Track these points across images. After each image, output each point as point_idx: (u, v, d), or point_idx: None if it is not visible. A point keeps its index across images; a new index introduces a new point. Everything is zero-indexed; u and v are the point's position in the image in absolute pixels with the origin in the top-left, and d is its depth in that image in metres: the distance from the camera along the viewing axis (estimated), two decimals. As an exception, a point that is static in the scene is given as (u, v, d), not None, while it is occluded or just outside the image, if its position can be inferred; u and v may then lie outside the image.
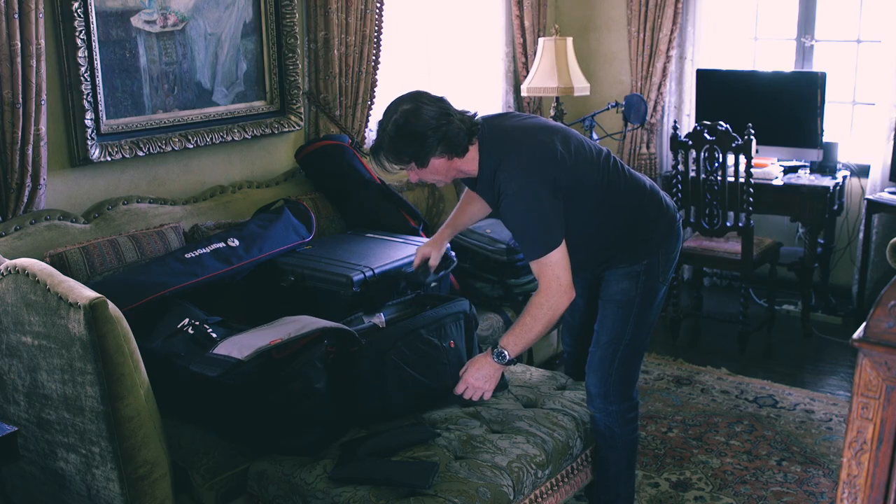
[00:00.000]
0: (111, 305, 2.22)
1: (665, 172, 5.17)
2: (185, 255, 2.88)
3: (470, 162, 2.43)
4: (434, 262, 2.78)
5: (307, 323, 2.49)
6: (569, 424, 2.59)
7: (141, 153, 3.24)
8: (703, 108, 4.93)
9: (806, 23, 4.99)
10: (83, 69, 3.01)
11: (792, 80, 4.80)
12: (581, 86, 4.61)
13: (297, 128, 3.83)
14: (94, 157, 3.10)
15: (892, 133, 4.56)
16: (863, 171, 4.80)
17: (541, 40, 4.67)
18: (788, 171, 4.73)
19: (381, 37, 4.04)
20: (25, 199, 2.91)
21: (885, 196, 4.45)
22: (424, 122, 2.33)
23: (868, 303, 4.57)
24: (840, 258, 4.98)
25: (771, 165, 4.65)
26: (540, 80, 4.60)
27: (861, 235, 4.62)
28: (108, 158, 3.15)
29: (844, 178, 4.75)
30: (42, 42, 2.83)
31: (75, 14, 2.96)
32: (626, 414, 2.64)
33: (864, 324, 1.43)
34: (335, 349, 2.52)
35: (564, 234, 2.37)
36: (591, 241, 2.54)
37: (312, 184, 3.78)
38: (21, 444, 2.40)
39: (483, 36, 5.00)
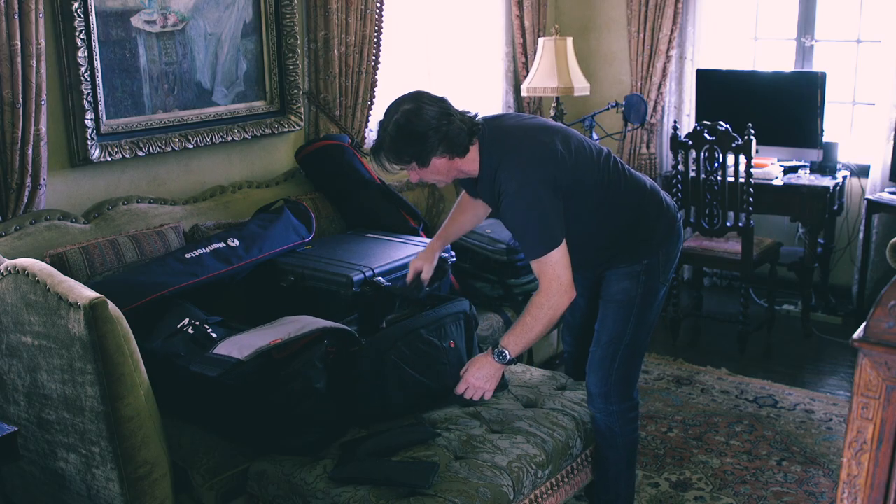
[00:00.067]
0: (111, 305, 2.22)
1: (665, 172, 5.17)
2: (185, 255, 2.88)
3: (470, 162, 2.43)
4: (426, 275, 2.77)
5: (307, 323, 2.49)
6: (569, 424, 2.59)
7: (141, 153, 3.24)
8: (703, 108, 4.93)
9: (806, 23, 4.99)
10: (83, 69, 3.01)
11: (792, 80, 4.80)
12: (581, 86, 4.61)
13: (297, 128, 3.83)
14: (94, 157, 3.10)
15: (892, 133, 4.56)
16: (863, 171, 4.80)
17: (541, 40, 4.67)
18: (788, 171, 4.73)
19: (381, 37, 4.04)
20: (25, 199, 2.91)
21: (885, 196, 4.45)
22: (425, 122, 2.33)
23: (868, 303, 4.57)
24: (840, 258, 4.98)
25: (771, 165, 4.65)
26: (540, 80, 4.60)
27: (861, 235, 4.62)
28: (108, 158, 3.15)
29: (844, 178, 4.75)
30: (42, 42, 2.83)
31: (75, 14, 2.96)
32: (626, 414, 2.64)
33: (864, 324, 1.43)
34: (335, 349, 2.52)
35: (565, 233, 2.37)
36: (592, 241, 2.54)
37: (312, 184, 3.78)
38: (21, 444, 2.40)
39: (483, 36, 5.00)
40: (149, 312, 2.65)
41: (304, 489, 2.30)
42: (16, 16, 2.73)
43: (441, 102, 2.39)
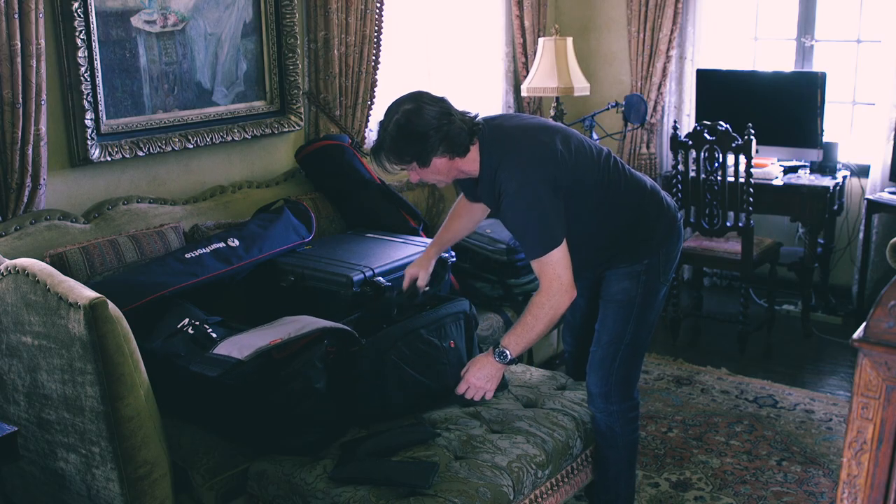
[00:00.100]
0: (111, 305, 2.22)
1: (665, 172, 5.17)
2: (185, 255, 2.88)
3: (471, 162, 2.43)
4: (422, 282, 2.76)
5: (307, 323, 2.49)
6: (569, 424, 2.59)
7: (141, 153, 3.24)
8: (703, 108, 4.93)
9: (806, 23, 4.99)
10: (83, 69, 3.01)
11: (792, 80, 4.80)
12: (581, 86, 4.61)
13: (297, 128, 3.83)
14: (94, 157, 3.10)
15: (892, 133, 4.56)
16: (863, 171, 4.80)
17: (541, 40, 4.67)
18: (788, 171, 4.73)
19: (381, 37, 4.04)
20: (25, 199, 2.91)
21: (885, 196, 4.45)
22: (426, 122, 2.33)
23: (868, 303, 4.57)
24: (840, 258, 4.98)
25: (771, 165, 4.65)
26: (540, 80, 4.60)
27: (861, 235, 4.62)
28: (108, 158, 3.15)
29: (844, 178, 4.75)
30: (42, 42, 2.83)
31: (75, 14, 2.96)
32: (627, 414, 2.64)
33: (864, 324, 1.43)
34: (335, 349, 2.52)
35: (565, 233, 2.37)
36: (592, 241, 2.54)
37: (312, 184, 3.78)
38: (21, 444, 2.40)
39: (483, 36, 5.00)
40: (149, 312, 2.64)
41: (304, 489, 2.30)
42: (16, 16, 2.73)
43: (441, 102, 2.39)
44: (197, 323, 2.54)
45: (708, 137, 4.14)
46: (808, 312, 4.63)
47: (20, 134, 2.82)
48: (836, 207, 4.69)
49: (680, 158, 4.28)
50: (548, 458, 2.45)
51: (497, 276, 3.53)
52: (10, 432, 1.95)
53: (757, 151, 4.42)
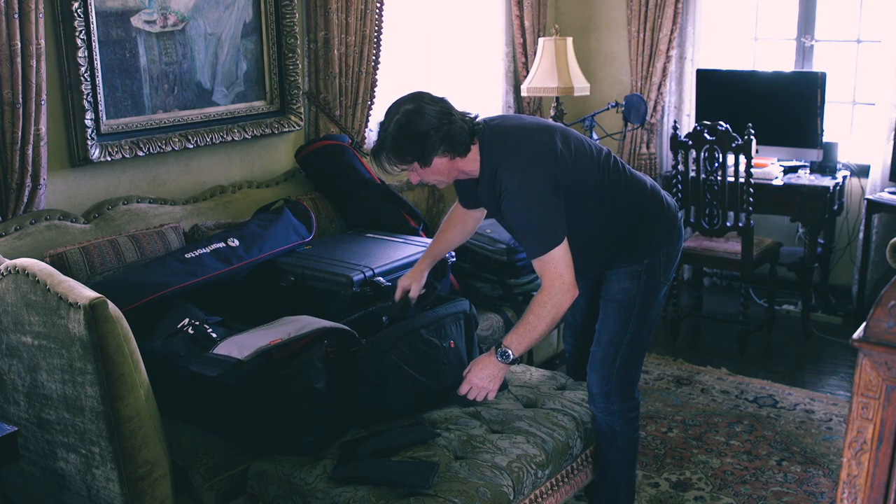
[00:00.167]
0: (111, 305, 2.22)
1: (665, 172, 5.17)
2: (185, 255, 2.88)
3: (471, 162, 2.43)
4: (414, 294, 2.76)
5: (307, 323, 2.49)
6: (569, 424, 2.59)
7: (141, 153, 3.24)
8: (703, 108, 4.93)
9: (806, 23, 4.99)
10: (83, 69, 3.01)
11: (792, 80, 4.80)
12: (581, 86, 4.61)
13: (297, 128, 3.83)
14: (94, 157, 3.10)
15: (892, 133, 4.56)
16: (863, 171, 4.80)
17: (541, 40, 4.67)
18: (788, 171, 4.73)
19: (381, 37, 4.04)
20: (25, 199, 2.91)
21: (885, 196, 4.45)
22: (427, 121, 2.33)
23: (868, 303, 4.57)
24: (840, 258, 4.98)
25: (771, 165, 4.65)
26: (540, 80, 4.60)
27: (861, 235, 4.62)
28: (108, 158, 3.15)
29: (844, 178, 4.75)
30: (42, 42, 2.83)
31: (75, 14, 2.96)
32: (627, 413, 2.64)
33: (864, 324, 1.43)
34: (335, 349, 2.52)
35: (566, 232, 2.37)
36: (592, 241, 2.54)
37: (312, 184, 3.78)
38: (21, 444, 2.40)
39: (483, 36, 5.00)
40: (149, 312, 2.65)
41: (304, 489, 2.30)
42: (16, 16, 2.73)
43: (441, 102, 2.39)
44: (197, 323, 2.54)
45: (708, 137, 4.14)
46: (808, 312, 4.63)
47: (20, 134, 2.82)
48: (836, 207, 4.69)
49: (680, 158, 4.28)
50: (548, 458, 2.45)
51: (497, 276, 3.53)
52: (10, 432, 1.95)
53: (757, 151, 4.42)
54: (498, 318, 3.48)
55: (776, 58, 5.12)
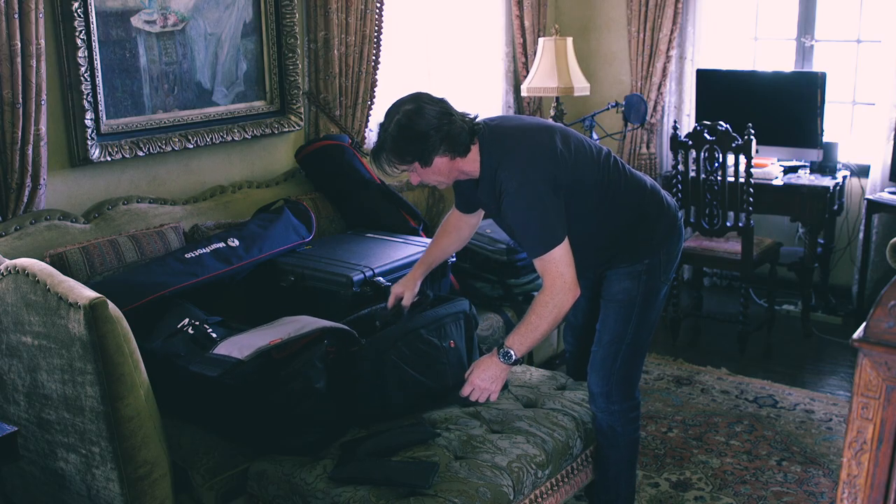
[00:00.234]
0: (111, 305, 2.22)
1: (665, 172, 5.17)
2: (185, 255, 2.88)
3: (471, 162, 2.43)
4: (407, 301, 2.75)
5: (307, 323, 2.49)
6: (569, 424, 2.59)
7: (141, 153, 3.24)
8: (703, 108, 4.93)
9: (806, 23, 4.99)
10: (83, 69, 3.01)
11: (792, 80, 4.80)
12: (581, 86, 4.61)
13: (297, 128, 3.83)
14: (94, 157, 3.10)
15: (892, 133, 4.56)
16: (863, 171, 4.80)
17: (541, 40, 4.67)
18: (788, 171, 4.73)
19: (381, 37, 4.04)
20: (25, 199, 2.91)
21: (885, 196, 4.45)
22: (427, 121, 2.33)
23: (868, 303, 4.57)
24: (840, 258, 4.98)
25: (771, 165, 4.65)
26: (540, 80, 4.60)
27: (861, 235, 4.62)
28: (108, 158, 3.15)
29: (844, 178, 4.75)
30: (42, 42, 2.83)
31: (75, 14, 2.96)
32: (628, 413, 2.64)
33: (864, 324, 1.43)
34: (335, 349, 2.52)
35: (567, 231, 2.37)
36: (592, 241, 2.54)
37: (312, 184, 3.78)
38: (21, 444, 2.40)
39: (483, 36, 5.00)
40: (149, 312, 2.65)
41: (304, 489, 2.30)
42: (16, 16, 2.73)
43: (441, 103, 2.40)
44: (197, 323, 2.54)
45: (708, 137, 4.14)
46: (808, 312, 4.63)
47: (20, 134, 2.82)
48: (836, 207, 4.69)
49: (680, 158, 4.28)
50: (548, 458, 2.45)
51: (497, 276, 3.53)
52: (10, 432, 1.95)
53: (757, 151, 4.42)
54: (498, 318, 3.47)
55: (776, 58, 5.12)
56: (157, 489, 2.32)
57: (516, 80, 5.13)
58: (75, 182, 3.16)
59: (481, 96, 4.96)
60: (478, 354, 2.77)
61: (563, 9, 5.51)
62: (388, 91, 4.07)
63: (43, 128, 2.89)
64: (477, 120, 2.45)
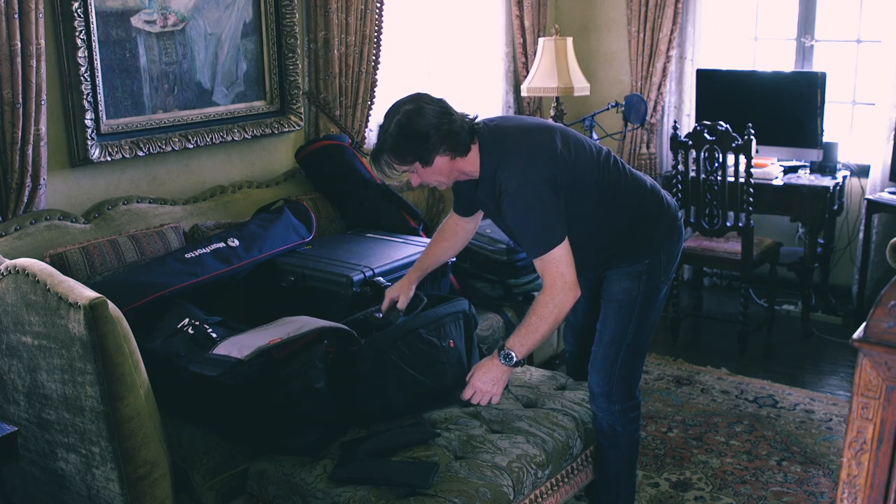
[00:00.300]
0: (111, 305, 2.22)
1: (665, 172, 5.17)
2: (185, 255, 2.88)
3: (471, 162, 2.43)
4: (402, 305, 2.74)
5: (306, 323, 2.49)
6: (569, 424, 2.59)
7: (141, 153, 3.24)
8: (703, 108, 4.93)
9: (806, 23, 4.99)
10: (83, 69, 3.01)
11: (792, 80, 4.80)
12: (581, 86, 4.61)
13: (297, 128, 3.83)
14: (94, 157, 3.10)
15: (892, 133, 4.56)
16: (863, 171, 4.80)
17: (541, 40, 4.67)
18: (788, 171, 4.73)
19: (381, 37, 4.04)
20: (25, 199, 2.91)
21: (885, 196, 4.45)
22: (427, 121, 2.33)
23: (868, 303, 4.57)
24: (840, 258, 4.98)
25: (771, 165, 4.65)
26: (540, 80, 4.60)
27: (861, 235, 4.62)
28: (108, 158, 3.15)
29: (844, 178, 4.75)
30: (42, 42, 2.83)
31: (75, 14, 2.96)
32: (628, 413, 2.64)
33: (864, 324, 1.43)
34: (335, 349, 2.52)
35: (567, 232, 2.37)
36: (592, 241, 2.54)
37: (312, 184, 3.78)
38: (21, 444, 2.40)
39: (483, 36, 5.00)
40: (149, 312, 2.65)
41: (304, 489, 2.30)
42: (16, 16, 2.73)
43: (441, 103, 2.40)
44: (197, 323, 2.54)
45: (708, 137, 4.14)
46: (808, 312, 4.63)
47: (20, 134, 2.82)
48: (836, 207, 4.69)
49: (680, 158, 4.28)
50: (548, 458, 2.45)
51: (497, 276, 3.53)
52: (10, 432, 1.95)
53: (757, 151, 4.42)
54: (498, 318, 3.47)
55: (776, 58, 5.12)
56: (157, 489, 2.32)
57: (516, 80, 5.13)
58: (75, 182, 3.16)
59: (481, 96, 4.96)
60: (477, 354, 2.76)
61: (563, 9, 5.51)
62: (388, 91, 4.07)
63: (43, 128, 2.89)
64: (476, 120, 2.45)
